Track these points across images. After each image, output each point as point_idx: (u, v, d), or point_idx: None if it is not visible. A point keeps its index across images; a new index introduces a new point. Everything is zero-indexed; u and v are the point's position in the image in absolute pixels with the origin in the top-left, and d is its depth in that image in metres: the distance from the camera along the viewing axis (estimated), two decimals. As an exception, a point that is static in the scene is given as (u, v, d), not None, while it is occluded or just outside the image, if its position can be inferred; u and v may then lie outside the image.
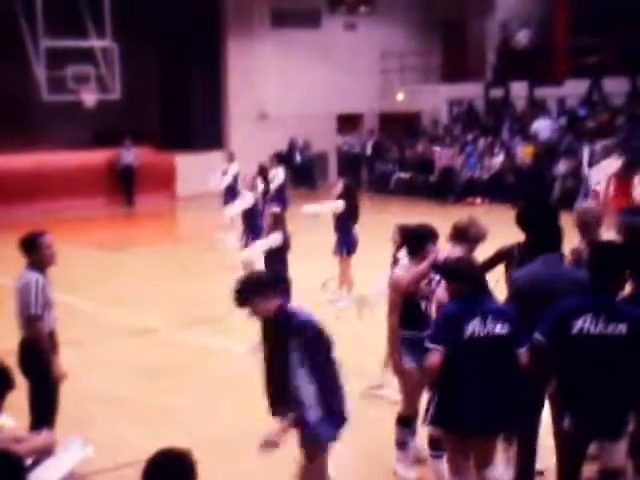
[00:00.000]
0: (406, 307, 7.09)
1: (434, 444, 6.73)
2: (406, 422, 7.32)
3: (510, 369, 5.86)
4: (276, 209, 11.12)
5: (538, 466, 6.76)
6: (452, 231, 7.32)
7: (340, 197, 13.20)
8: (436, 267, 6.93)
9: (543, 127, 24.83)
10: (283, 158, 22.82)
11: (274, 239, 10.55)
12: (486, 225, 7.43)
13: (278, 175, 18.05)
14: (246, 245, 13.00)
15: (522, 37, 27.37)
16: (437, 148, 26.04)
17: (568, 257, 7.05)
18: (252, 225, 13.64)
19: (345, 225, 13.21)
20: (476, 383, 5.77)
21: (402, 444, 7.34)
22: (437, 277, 6.99)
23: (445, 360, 5.77)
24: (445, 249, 7.24)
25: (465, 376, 5.77)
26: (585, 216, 7.28)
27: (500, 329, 5.80)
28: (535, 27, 28.03)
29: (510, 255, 7.08)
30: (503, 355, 5.83)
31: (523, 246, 6.94)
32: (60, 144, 24.61)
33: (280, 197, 17.19)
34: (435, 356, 5.79)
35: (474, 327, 5.76)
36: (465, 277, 5.95)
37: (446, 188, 24.54)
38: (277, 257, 10.54)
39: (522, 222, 7.01)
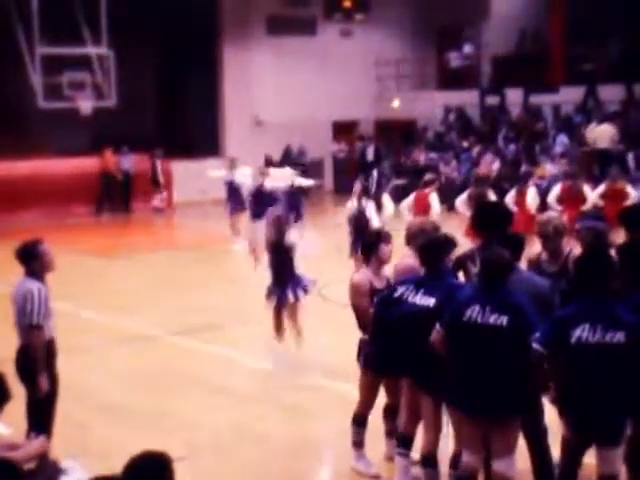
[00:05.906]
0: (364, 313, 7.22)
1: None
2: (360, 422, 7.43)
3: (500, 359, 5.85)
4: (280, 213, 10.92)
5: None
6: (405, 236, 7.41)
7: (360, 198, 13.08)
8: None
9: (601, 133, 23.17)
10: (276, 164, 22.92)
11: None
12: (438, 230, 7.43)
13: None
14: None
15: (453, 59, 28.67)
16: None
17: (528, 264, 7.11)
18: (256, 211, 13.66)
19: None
20: (465, 364, 5.97)
21: (358, 443, 7.45)
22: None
23: (447, 340, 6.04)
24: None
25: (458, 357, 6.01)
26: (544, 227, 7.24)
27: (495, 320, 5.84)
28: (530, 34, 28.13)
29: (468, 261, 7.03)
30: (494, 344, 5.85)
31: (480, 251, 6.85)
32: (56, 151, 24.61)
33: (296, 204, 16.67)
34: (435, 335, 6.09)
35: (472, 313, 5.90)
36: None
37: None
38: (284, 256, 10.04)
39: (477, 227, 7.04)
